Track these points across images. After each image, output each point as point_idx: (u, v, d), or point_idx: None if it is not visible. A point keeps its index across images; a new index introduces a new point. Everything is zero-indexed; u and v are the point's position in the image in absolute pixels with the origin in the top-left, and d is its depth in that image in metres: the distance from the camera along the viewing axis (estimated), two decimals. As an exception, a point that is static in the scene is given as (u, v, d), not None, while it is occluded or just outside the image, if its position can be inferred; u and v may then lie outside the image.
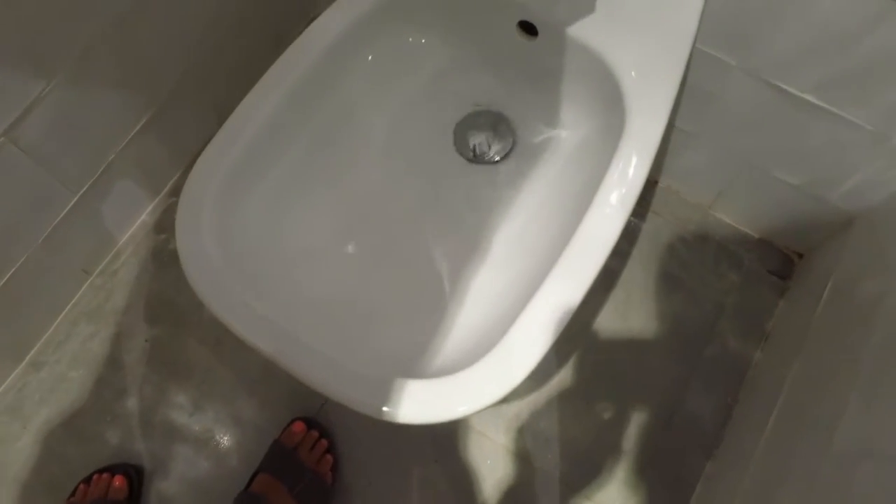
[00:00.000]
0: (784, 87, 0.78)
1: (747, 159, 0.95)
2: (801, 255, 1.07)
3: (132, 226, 1.10)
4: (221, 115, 1.13)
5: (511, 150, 0.79)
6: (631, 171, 0.62)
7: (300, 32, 1.08)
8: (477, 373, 0.55)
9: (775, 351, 0.97)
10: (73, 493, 0.91)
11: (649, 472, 0.95)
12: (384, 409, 0.55)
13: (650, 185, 1.12)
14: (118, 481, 0.88)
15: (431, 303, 0.71)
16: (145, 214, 1.11)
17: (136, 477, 0.92)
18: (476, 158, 0.78)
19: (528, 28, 0.71)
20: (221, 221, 0.63)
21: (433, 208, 0.76)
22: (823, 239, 1.00)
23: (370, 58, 0.73)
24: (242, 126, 0.65)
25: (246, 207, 0.65)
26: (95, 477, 0.90)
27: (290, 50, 0.67)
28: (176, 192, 1.13)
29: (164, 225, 1.11)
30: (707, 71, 0.83)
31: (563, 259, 0.59)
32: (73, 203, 0.95)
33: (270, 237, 0.67)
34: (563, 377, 1.01)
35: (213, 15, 1.01)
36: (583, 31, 0.67)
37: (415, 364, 0.64)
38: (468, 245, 0.74)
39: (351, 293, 0.69)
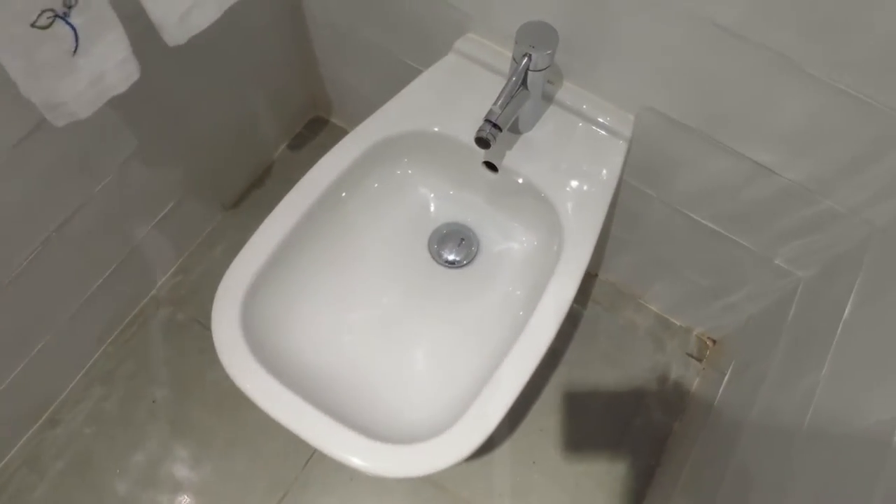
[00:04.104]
0: (691, 215, 1.00)
1: (667, 263, 1.16)
2: (714, 342, 1.27)
3: (143, 300, 1.26)
4: (225, 206, 1.31)
5: (475, 256, 0.97)
6: (565, 285, 0.81)
7: (301, 133, 1.28)
8: (447, 438, 0.72)
9: (689, 423, 1.16)
10: None
11: (584, 525, 1.12)
12: (372, 466, 0.72)
13: (591, 278, 1.33)
14: None
15: (412, 381, 0.88)
16: (155, 289, 1.27)
17: None
18: (447, 263, 0.97)
19: (492, 166, 0.91)
20: (246, 315, 0.79)
21: (413, 304, 0.94)
22: (731, 331, 1.21)
23: (376, 185, 0.93)
24: (265, 240, 0.82)
25: (265, 305, 0.82)
26: None
27: (303, 181, 0.85)
28: (182, 271, 1.29)
29: (172, 299, 1.26)
30: (634, 197, 1.04)
31: (514, 350, 0.78)
32: (98, 283, 1.10)
33: (284, 327, 0.84)
34: (513, 441, 1.18)
35: (224, 124, 1.20)
36: (533, 174, 0.87)
37: (398, 429, 0.80)
38: (440, 334, 0.92)
39: (347, 372, 0.86)
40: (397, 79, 0.98)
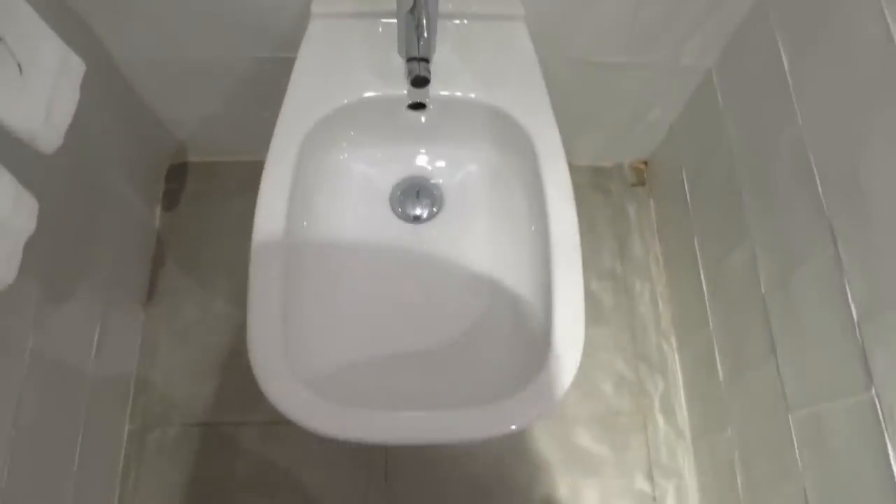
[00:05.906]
0: (596, 59, 1.02)
1: (585, 116, 1.18)
2: (645, 163, 1.34)
3: (122, 440, 1.10)
4: (142, 301, 1.16)
5: (443, 200, 0.94)
6: (557, 170, 0.81)
7: (168, 189, 1.14)
8: (553, 364, 0.71)
9: (666, 248, 1.23)
10: None
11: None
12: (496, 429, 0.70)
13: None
14: None
15: (463, 340, 0.85)
16: (127, 423, 1.11)
17: None
18: (419, 220, 0.93)
19: (418, 105, 0.87)
20: (295, 371, 0.72)
21: (416, 273, 0.90)
22: (657, 145, 1.27)
23: (324, 188, 0.86)
24: (268, 286, 0.74)
25: (296, 339, 0.75)
26: None
27: (257, 231, 0.76)
28: (142, 389, 1.14)
29: (151, 422, 1.12)
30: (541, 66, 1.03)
31: (556, 255, 0.76)
32: (77, 456, 0.96)
33: (322, 349, 0.79)
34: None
35: (76, 222, 1.02)
36: (460, 91, 0.84)
37: (471, 392, 0.78)
38: (461, 283, 0.89)
39: (391, 361, 0.83)
40: (253, 80, 0.89)
